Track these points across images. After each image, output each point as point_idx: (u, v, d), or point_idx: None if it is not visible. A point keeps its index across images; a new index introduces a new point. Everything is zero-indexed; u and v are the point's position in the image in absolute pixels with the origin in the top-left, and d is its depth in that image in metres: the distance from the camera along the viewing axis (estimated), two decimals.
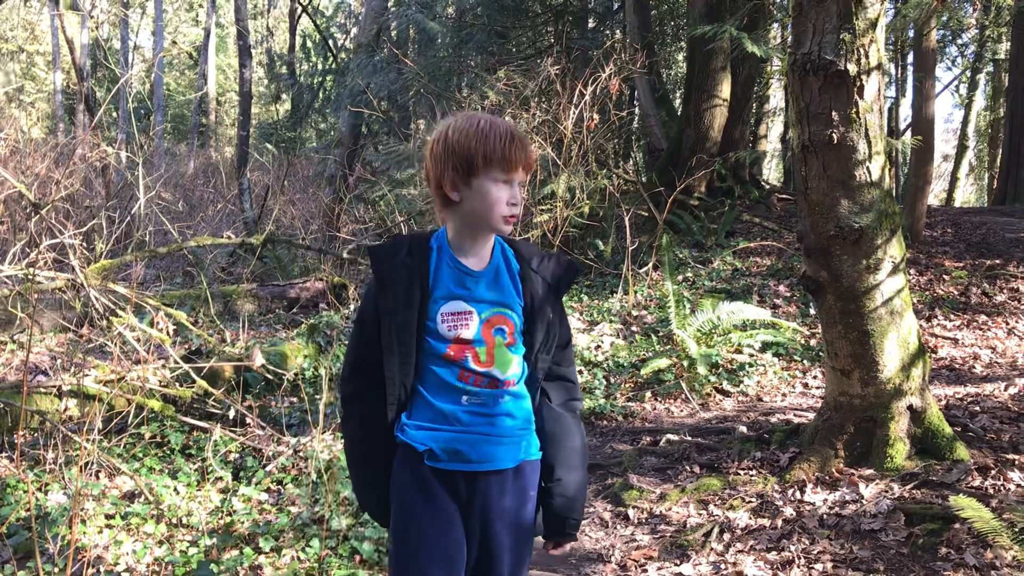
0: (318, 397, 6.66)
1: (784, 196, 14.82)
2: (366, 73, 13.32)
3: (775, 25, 15.96)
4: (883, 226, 4.53)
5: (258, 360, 5.79)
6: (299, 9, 27.13)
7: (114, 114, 26.39)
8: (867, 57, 4.35)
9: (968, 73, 27.25)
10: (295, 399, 6.36)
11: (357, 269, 9.93)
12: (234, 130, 26.53)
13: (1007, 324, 7.92)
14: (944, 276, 9.21)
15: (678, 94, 18.97)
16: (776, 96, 25.37)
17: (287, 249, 10.99)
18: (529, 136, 9.24)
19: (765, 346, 7.18)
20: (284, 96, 29.79)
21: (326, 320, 7.86)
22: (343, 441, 2.32)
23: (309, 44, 24.65)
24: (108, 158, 11.84)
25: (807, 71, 4.43)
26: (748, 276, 9.41)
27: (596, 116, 8.32)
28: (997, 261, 9.76)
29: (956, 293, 8.74)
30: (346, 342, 7.69)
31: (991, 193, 26.64)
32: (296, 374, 6.90)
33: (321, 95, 22.10)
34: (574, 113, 8.28)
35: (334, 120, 19.78)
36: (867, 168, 4.46)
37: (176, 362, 5.65)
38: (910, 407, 4.61)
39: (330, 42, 23.86)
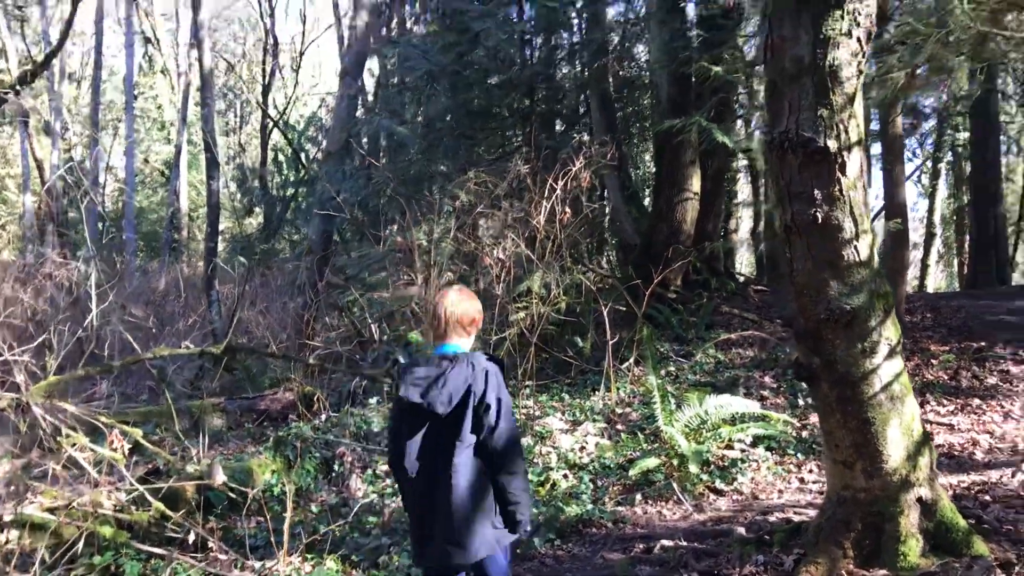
0: (285, 515, 6.24)
1: (759, 287, 14.73)
2: (336, 180, 13.26)
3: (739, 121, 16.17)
4: (876, 307, 4.31)
5: (219, 478, 5.40)
6: (270, 124, 27.40)
7: (85, 234, 26.19)
8: (847, 133, 4.20)
9: (930, 163, 27.87)
10: (261, 519, 5.93)
11: (328, 378, 9.58)
12: None
13: (1002, 407, 7.67)
14: (932, 360, 9.01)
15: (646, 192, 19.08)
16: (744, 191, 25.72)
17: (256, 360, 10.64)
18: (502, 234, 9.09)
19: (756, 440, 6.87)
20: (257, 209, 29.79)
21: (295, 432, 7.48)
22: (526, 482, 3.31)
23: (281, 157, 24.80)
24: (74, 276, 11.55)
25: (785, 149, 4.27)
26: (732, 368, 9.16)
27: (568, 210, 8.20)
28: (983, 344, 9.58)
29: (946, 377, 8.51)
30: (316, 455, 7.28)
31: (962, 278, 26.87)
32: (263, 491, 6.49)
33: (293, 206, 22.07)
34: (546, 208, 8.15)
35: (306, 231, 19.69)
36: (855, 247, 4.26)
37: (132, 484, 5.25)
38: (920, 499, 4.30)
39: (301, 155, 23.99)
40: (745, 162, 20.79)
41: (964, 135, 24.42)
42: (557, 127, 16.15)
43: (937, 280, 31.64)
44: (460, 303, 3.38)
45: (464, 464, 3.17)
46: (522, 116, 13.52)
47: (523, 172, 9.47)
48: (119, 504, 5.11)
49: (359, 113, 14.58)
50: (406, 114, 13.15)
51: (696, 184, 12.24)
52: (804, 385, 8.46)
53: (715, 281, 12.51)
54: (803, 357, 4.48)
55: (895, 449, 4.29)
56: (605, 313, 8.33)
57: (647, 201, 16.80)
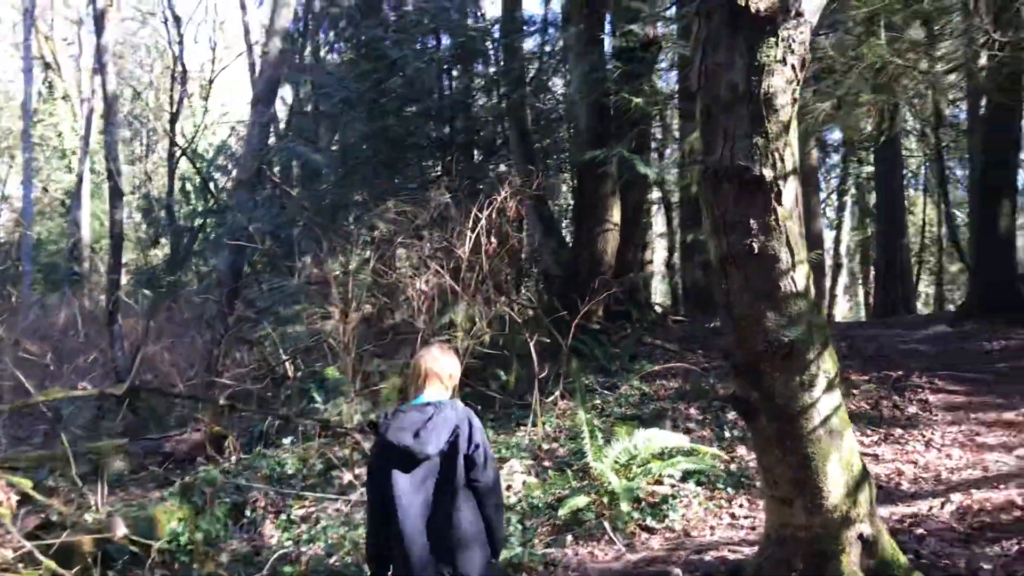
0: (195, 567, 5.82)
1: (678, 318, 14.79)
2: (247, 209, 12.82)
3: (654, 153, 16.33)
4: (814, 339, 4.21)
5: (120, 530, 4.98)
6: (178, 153, 26.59)
7: None
8: (782, 161, 4.11)
9: (835, 196, 28.76)
10: (166, 573, 5.50)
11: (239, 417, 9.12)
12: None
13: (923, 436, 7.73)
14: (852, 391, 9.06)
15: (563, 224, 19.06)
16: (657, 222, 26.02)
17: (162, 399, 10.09)
18: (424, 264, 8.84)
19: (686, 475, 6.72)
20: (163, 240, 28.79)
21: (203, 476, 7.02)
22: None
23: (189, 187, 24.02)
24: None
25: (720, 178, 4.16)
26: (657, 400, 9.06)
27: (494, 240, 8.00)
28: (900, 373, 9.71)
29: (868, 407, 8.57)
30: (226, 500, 6.87)
31: (868, 308, 27.68)
32: (168, 541, 6.04)
33: (201, 237, 21.35)
34: (471, 238, 7.94)
35: (215, 262, 19.04)
36: (791, 278, 4.16)
37: (19, 541, 4.79)
38: (861, 536, 4.20)
39: (211, 184, 23.28)
40: (659, 194, 21.08)
41: (868, 168, 25.27)
42: (476, 157, 16.03)
43: (844, 310, 32.52)
44: (440, 359, 3.76)
45: (464, 501, 3.50)
46: (441, 146, 13.33)
47: (444, 202, 9.25)
48: (4, 563, 4.64)
49: (271, 141, 14.15)
50: (321, 142, 12.80)
51: (617, 215, 12.22)
52: (730, 417, 8.44)
53: (636, 312, 12.47)
54: (741, 391, 4.35)
55: (835, 485, 4.18)
56: (532, 345, 8.14)
57: (565, 233, 16.77)
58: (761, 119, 4.08)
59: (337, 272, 10.19)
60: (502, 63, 14.61)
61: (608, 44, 12.01)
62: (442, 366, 3.73)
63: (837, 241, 29.17)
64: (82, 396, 8.01)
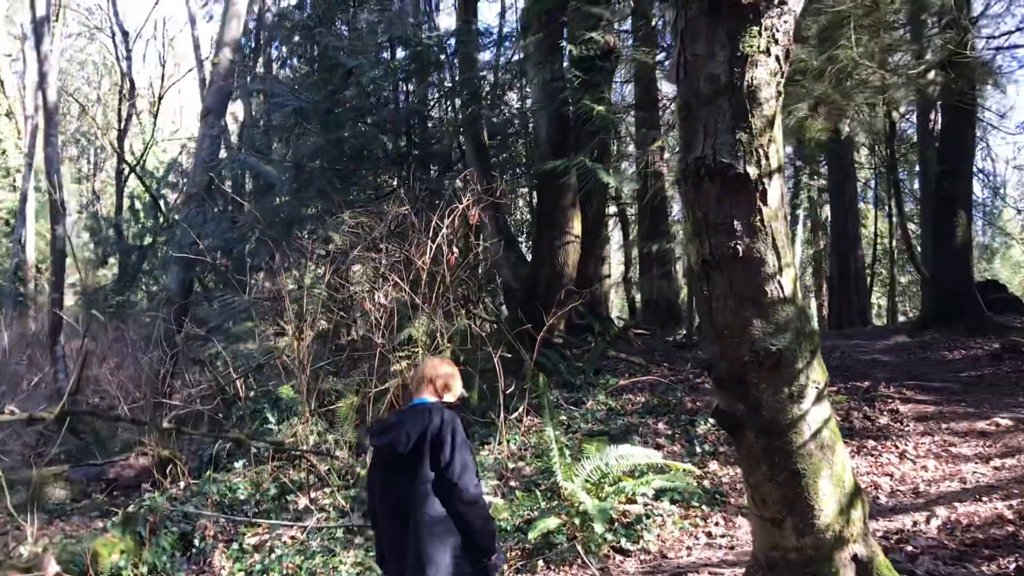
0: None
1: (639, 331, 14.55)
2: (197, 225, 12.34)
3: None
4: (803, 347, 3.97)
5: (51, 568, 4.56)
6: (126, 170, 25.89)
7: None
8: (767, 158, 3.88)
9: (788, 209, 28.84)
10: None
11: (189, 440, 8.66)
12: None
13: (897, 447, 7.55)
14: None
15: (521, 238, 18.81)
16: (615, 236, 25.87)
17: (107, 422, 9.59)
18: (382, 278, 8.50)
19: (659, 493, 6.44)
20: (112, 260, 27.98)
21: (148, 504, 6.59)
22: (485, 511, 3.65)
23: (138, 204, 23.33)
24: None
25: (702, 177, 3.91)
26: (625, 415, 8.79)
27: (456, 250, 7.68)
28: (867, 383, 9.57)
29: (839, 419, 8.37)
30: (173, 529, 6.44)
31: (822, 320, 27.79)
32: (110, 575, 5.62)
33: (150, 255, 20.71)
34: (431, 248, 7.61)
35: (165, 280, 18.43)
36: (778, 282, 3.92)
37: None
38: (855, 557, 3.95)
39: (161, 201, 22.63)
40: (613, 208, 20.92)
41: (820, 182, 25.42)
42: (432, 170, 15.71)
43: None
44: (437, 367, 3.94)
45: (429, 498, 3.54)
46: (397, 158, 13.00)
47: (402, 212, 8.92)
48: None
49: (222, 155, 13.70)
50: (274, 154, 12.40)
51: (577, 227, 11.97)
52: (699, 431, 8.20)
53: (599, 325, 12.22)
54: (725, 404, 4.08)
55: (827, 503, 3.93)
56: (496, 360, 7.82)
57: (524, 246, 16.51)
58: (745, 113, 3.84)
59: (291, 287, 9.81)
60: (457, 76, 14.35)
61: (567, 53, 11.77)
62: (434, 371, 3.91)
63: None
64: (10, 421, 7.51)
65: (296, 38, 14.87)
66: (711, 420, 7.77)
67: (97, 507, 8.01)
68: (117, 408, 9.56)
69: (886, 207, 27.26)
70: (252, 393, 8.80)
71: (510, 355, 9.70)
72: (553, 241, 11.81)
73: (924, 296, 17.22)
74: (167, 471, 8.00)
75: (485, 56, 16.04)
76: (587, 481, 6.18)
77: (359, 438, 8.04)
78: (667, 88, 17.61)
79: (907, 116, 21.58)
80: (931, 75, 10.89)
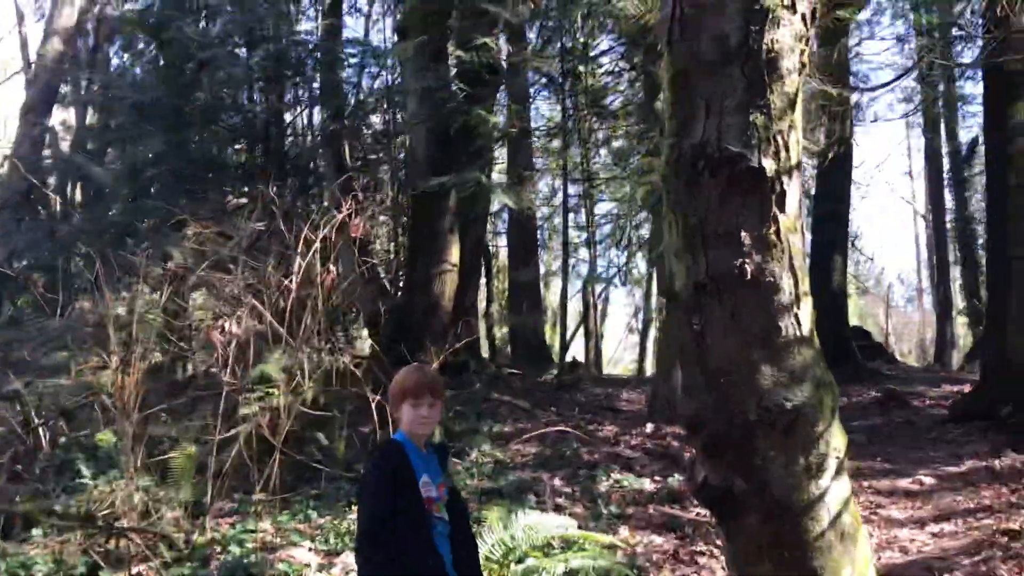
0: None
1: (511, 371, 13.49)
2: (10, 236, 10.48)
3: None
4: (824, 404, 2.99)
5: None
6: None
7: None
8: (787, 150, 2.91)
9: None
10: None
11: None
12: None
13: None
14: None
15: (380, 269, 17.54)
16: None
17: None
18: (231, 304, 7.10)
19: (572, 574, 5.32)
20: None
21: None
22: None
23: None
24: None
25: (700, 170, 2.90)
26: (514, 469, 7.67)
27: (333, 269, 6.40)
28: None
29: None
30: None
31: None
32: None
33: None
34: (302, 266, 6.30)
35: None
36: (795, 316, 2.94)
37: None
38: None
39: None
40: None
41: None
42: (288, 188, 14.27)
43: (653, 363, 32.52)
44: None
45: None
46: (251, 169, 11.55)
47: (259, 228, 7.60)
48: None
49: (45, 151, 11.85)
50: (109, 158, 10.72)
51: (455, 254, 10.88)
52: (602, 488, 7.17)
53: (475, 364, 11.10)
54: (716, 477, 3.04)
55: None
56: (373, 404, 6.56)
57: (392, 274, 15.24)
58: (762, 87, 2.86)
59: (119, 311, 8.23)
60: (319, 88, 13.07)
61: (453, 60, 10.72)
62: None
63: (648, 297, 29.19)
64: None
65: (140, 36, 13.22)
66: (694, 500, 6.67)
67: None
68: None
69: None
70: (63, 440, 7.13)
71: (379, 397, 8.44)
72: (429, 269, 10.67)
73: None
74: None
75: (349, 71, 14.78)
76: (488, 558, 5.01)
77: (197, 497, 6.59)
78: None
79: None
80: None
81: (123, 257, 8.64)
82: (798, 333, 2.93)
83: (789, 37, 2.88)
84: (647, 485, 7.26)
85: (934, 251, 21.86)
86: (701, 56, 2.91)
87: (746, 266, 2.86)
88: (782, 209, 2.90)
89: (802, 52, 2.92)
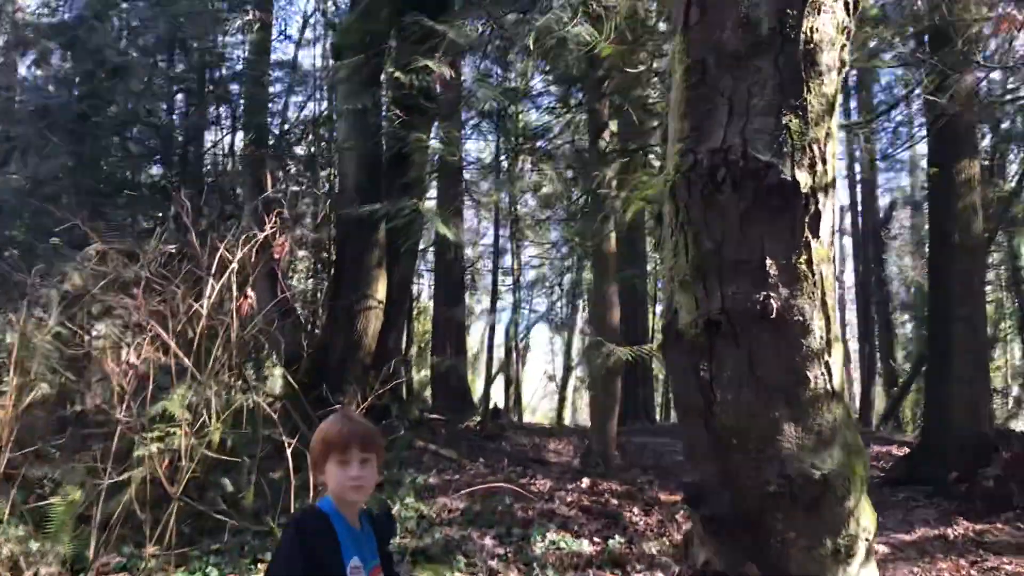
0: None
1: (434, 417, 12.77)
2: None
3: None
4: (855, 475, 2.46)
5: None
6: None
7: None
8: (824, 163, 2.41)
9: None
10: None
11: None
12: None
13: None
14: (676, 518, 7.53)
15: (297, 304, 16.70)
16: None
17: None
18: (131, 331, 6.31)
19: None
20: None
21: None
22: None
23: None
24: None
25: (719, 182, 2.38)
26: (442, 526, 6.97)
27: (252, 295, 5.69)
28: None
29: None
30: None
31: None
32: None
33: None
34: (215, 291, 5.56)
35: None
36: (825, 365, 2.42)
37: None
38: None
39: None
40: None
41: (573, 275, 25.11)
42: (204, 212, 13.41)
43: (576, 416, 32.13)
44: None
45: None
46: (166, 189, 10.71)
47: (168, 250, 6.85)
48: None
49: None
50: (10, 170, 9.74)
51: (381, 290, 10.19)
52: (536, 550, 6.55)
53: (397, 409, 10.36)
54: (724, 561, 2.48)
55: None
56: (288, 449, 5.83)
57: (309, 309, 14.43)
58: (798, 84, 2.37)
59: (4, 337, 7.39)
60: (243, 107, 12.33)
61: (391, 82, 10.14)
62: None
63: (569, 344, 28.82)
64: None
65: (51, 42, 12.29)
66: None
67: None
68: None
69: None
70: None
71: (291, 441, 7.68)
72: (353, 305, 9.94)
73: None
74: None
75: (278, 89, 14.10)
76: None
77: (79, 551, 5.74)
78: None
79: None
80: None
81: (16, 277, 7.76)
82: (829, 386, 2.42)
83: (831, 27, 2.40)
84: (586, 547, 6.65)
85: (861, 313, 22.04)
86: (724, 45, 2.41)
87: (771, 301, 2.35)
88: (815, 234, 2.40)
89: (843, 47, 2.44)
